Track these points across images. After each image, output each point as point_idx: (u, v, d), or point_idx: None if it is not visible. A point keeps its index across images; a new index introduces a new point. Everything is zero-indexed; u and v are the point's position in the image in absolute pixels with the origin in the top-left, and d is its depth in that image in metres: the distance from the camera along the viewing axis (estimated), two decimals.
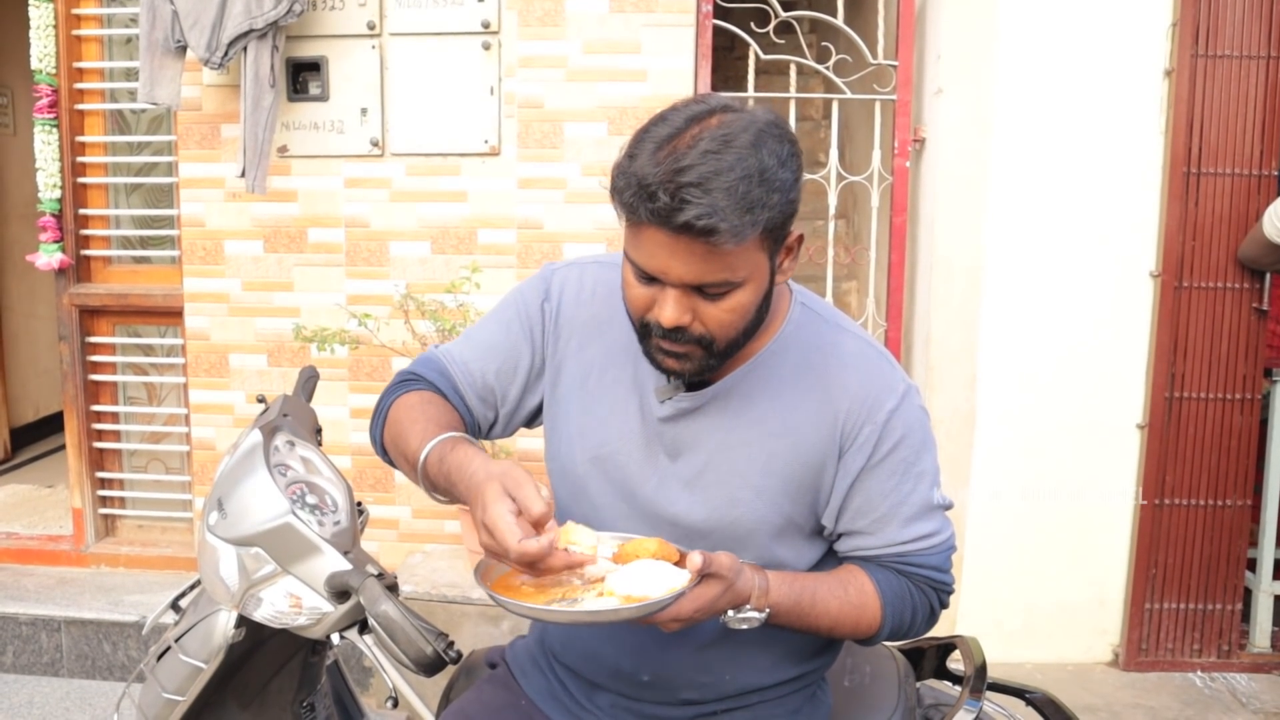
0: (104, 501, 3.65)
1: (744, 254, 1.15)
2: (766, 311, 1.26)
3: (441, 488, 1.28)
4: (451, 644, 1.32)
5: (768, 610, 1.22)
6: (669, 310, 1.18)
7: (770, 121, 1.17)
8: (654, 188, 1.10)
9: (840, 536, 1.34)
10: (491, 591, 1.16)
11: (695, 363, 1.23)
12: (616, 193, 1.16)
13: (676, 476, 1.32)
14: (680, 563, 1.17)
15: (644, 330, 1.23)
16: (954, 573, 1.36)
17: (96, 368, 3.60)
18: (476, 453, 1.24)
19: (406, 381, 1.44)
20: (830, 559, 1.38)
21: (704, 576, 1.15)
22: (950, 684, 1.67)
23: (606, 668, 1.40)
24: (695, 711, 1.39)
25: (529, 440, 3.13)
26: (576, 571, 1.18)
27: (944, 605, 1.38)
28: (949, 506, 1.36)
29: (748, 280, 1.18)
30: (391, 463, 1.44)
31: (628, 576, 1.15)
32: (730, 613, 1.20)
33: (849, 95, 3.24)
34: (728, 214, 1.10)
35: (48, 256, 3.44)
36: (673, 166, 1.10)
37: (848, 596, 1.29)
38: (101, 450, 3.63)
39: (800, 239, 1.26)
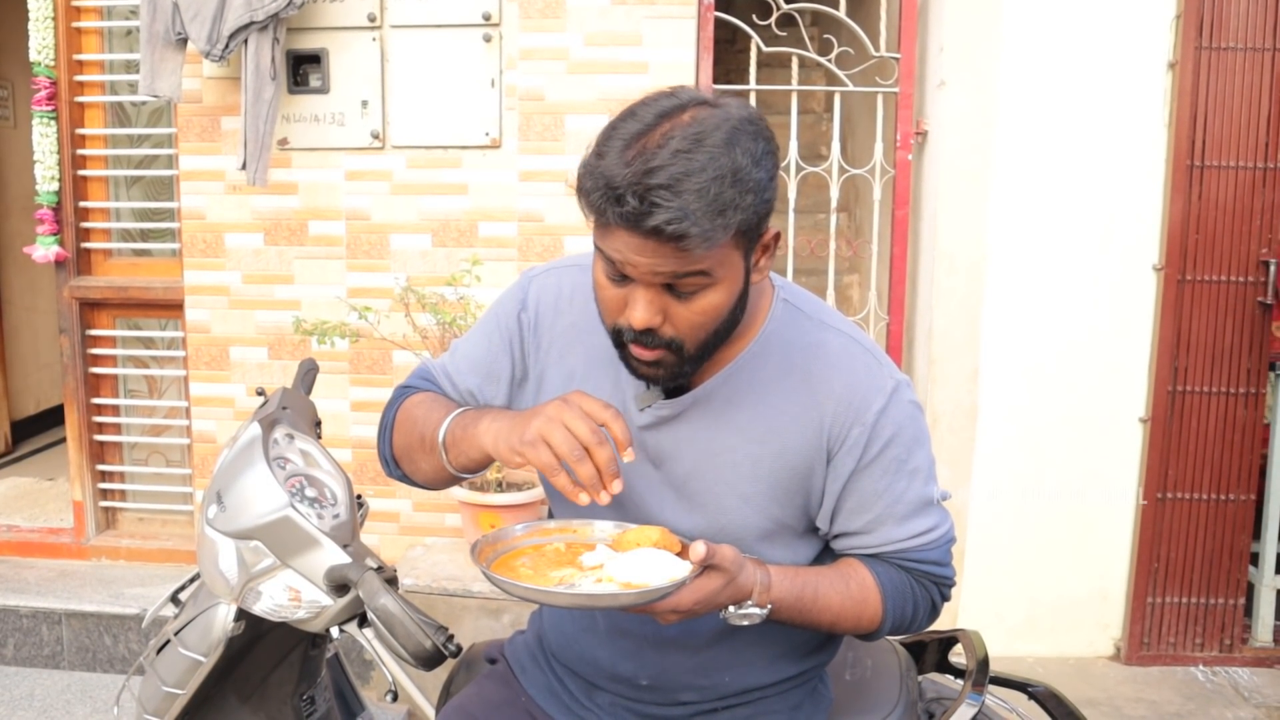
0: (104, 494, 3.65)
1: (717, 254, 1.12)
2: (742, 313, 1.22)
3: (466, 455, 1.27)
4: (451, 637, 1.31)
5: (769, 606, 1.20)
6: (639, 310, 1.14)
7: (744, 118, 1.13)
8: (622, 190, 1.06)
9: (836, 537, 1.32)
10: (487, 570, 1.14)
11: (667, 369, 1.20)
12: (584, 193, 1.12)
13: (662, 484, 1.30)
14: (682, 554, 1.15)
15: (617, 336, 1.20)
16: (956, 567, 1.35)
17: (97, 360, 3.59)
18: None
19: (404, 391, 1.46)
20: (827, 554, 1.37)
21: (706, 568, 1.13)
22: (952, 678, 1.67)
23: (604, 671, 1.39)
24: (695, 710, 1.39)
25: None
26: (575, 559, 1.18)
27: (945, 598, 1.36)
28: (945, 499, 1.34)
29: (721, 280, 1.15)
30: (404, 476, 1.43)
31: (628, 564, 1.14)
32: (731, 609, 1.18)
33: (851, 88, 3.22)
34: (699, 218, 1.06)
35: (44, 249, 3.44)
36: (642, 167, 1.06)
37: (849, 591, 1.27)
38: (102, 443, 3.63)
39: (777, 236, 1.21)
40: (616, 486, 1.12)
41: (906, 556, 1.30)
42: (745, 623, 1.19)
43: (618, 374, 1.30)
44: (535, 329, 1.38)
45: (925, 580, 1.33)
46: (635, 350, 1.19)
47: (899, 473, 1.28)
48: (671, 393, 1.28)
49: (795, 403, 1.27)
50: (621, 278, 1.15)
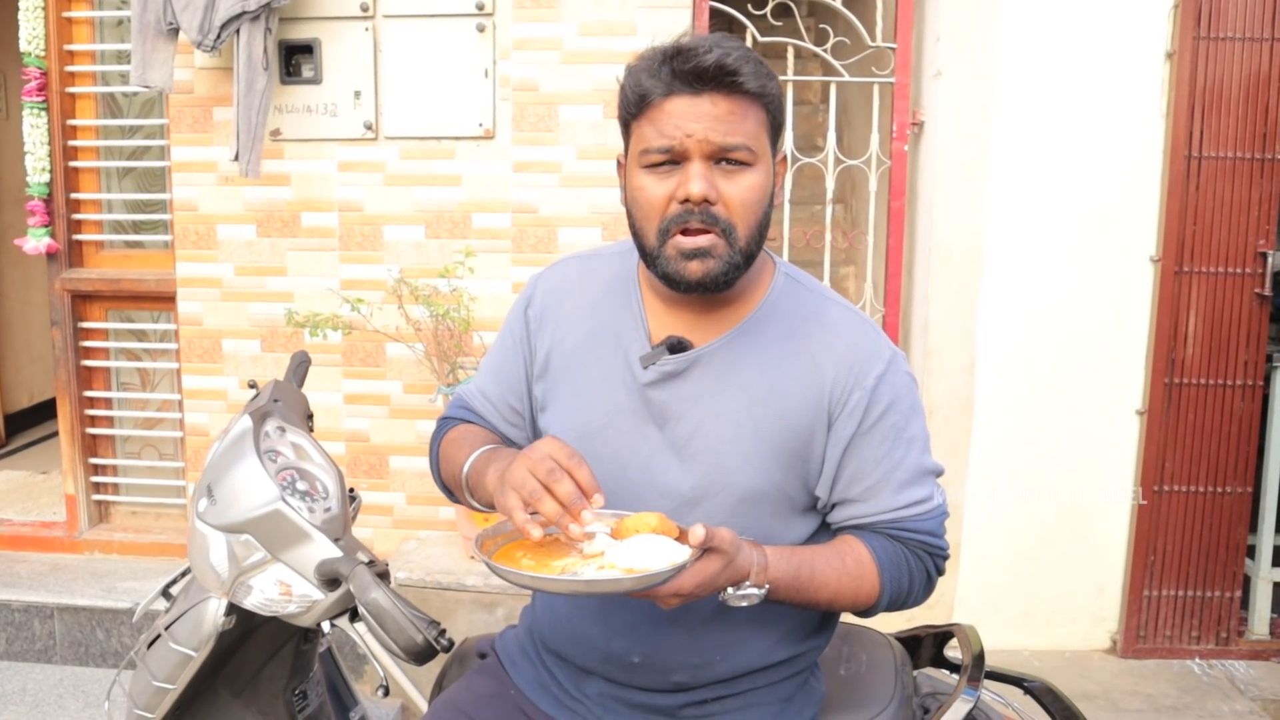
0: (97, 488, 3.63)
1: (756, 126, 1.23)
2: (769, 217, 1.29)
3: (487, 499, 1.30)
4: (443, 632, 1.31)
5: (767, 586, 1.21)
6: (696, 182, 1.21)
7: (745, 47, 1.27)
8: (680, 47, 1.20)
9: (834, 506, 1.35)
10: (490, 561, 1.15)
11: (719, 260, 1.24)
12: (630, 82, 1.24)
13: (665, 444, 1.33)
14: (681, 538, 1.16)
15: (663, 236, 1.25)
16: (951, 562, 1.36)
17: (89, 353, 3.57)
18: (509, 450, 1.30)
19: (443, 424, 1.51)
20: (823, 534, 1.38)
21: (705, 551, 1.15)
22: (948, 672, 1.66)
23: (597, 650, 1.39)
24: (686, 699, 1.38)
25: None
26: (576, 546, 1.19)
27: (940, 572, 1.38)
28: (940, 472, 1.37)
29: (759, 161, 1.24)
30: (458, 503, 1.47)
31: (628, 550, 1.15)
32: (729, 590, 1.20)
33: (847, 78, 3.21)
34: (746, 64, 1.20)
35: (35, 241, 3.41)
36: (684, 44, 1.21)
37: (845, 567, 1.29)
38: (95, 436, 3.61)
39: (785, 160, 1.32)
40: (586, 516, 1.12)
41: (902, 526, 1.33)
42: (744, 603, 1.21)
43: (619, 340, 1.35)
44: (541, 318, 1.44)
45: (920, 551, 1.35)
46: (684, 240, 1.24)
47: (897, 440, 1.31)
48: (674, 349, 1.32)
49: (797, 366, 1.31)
50: (669, 163, 1.23)
